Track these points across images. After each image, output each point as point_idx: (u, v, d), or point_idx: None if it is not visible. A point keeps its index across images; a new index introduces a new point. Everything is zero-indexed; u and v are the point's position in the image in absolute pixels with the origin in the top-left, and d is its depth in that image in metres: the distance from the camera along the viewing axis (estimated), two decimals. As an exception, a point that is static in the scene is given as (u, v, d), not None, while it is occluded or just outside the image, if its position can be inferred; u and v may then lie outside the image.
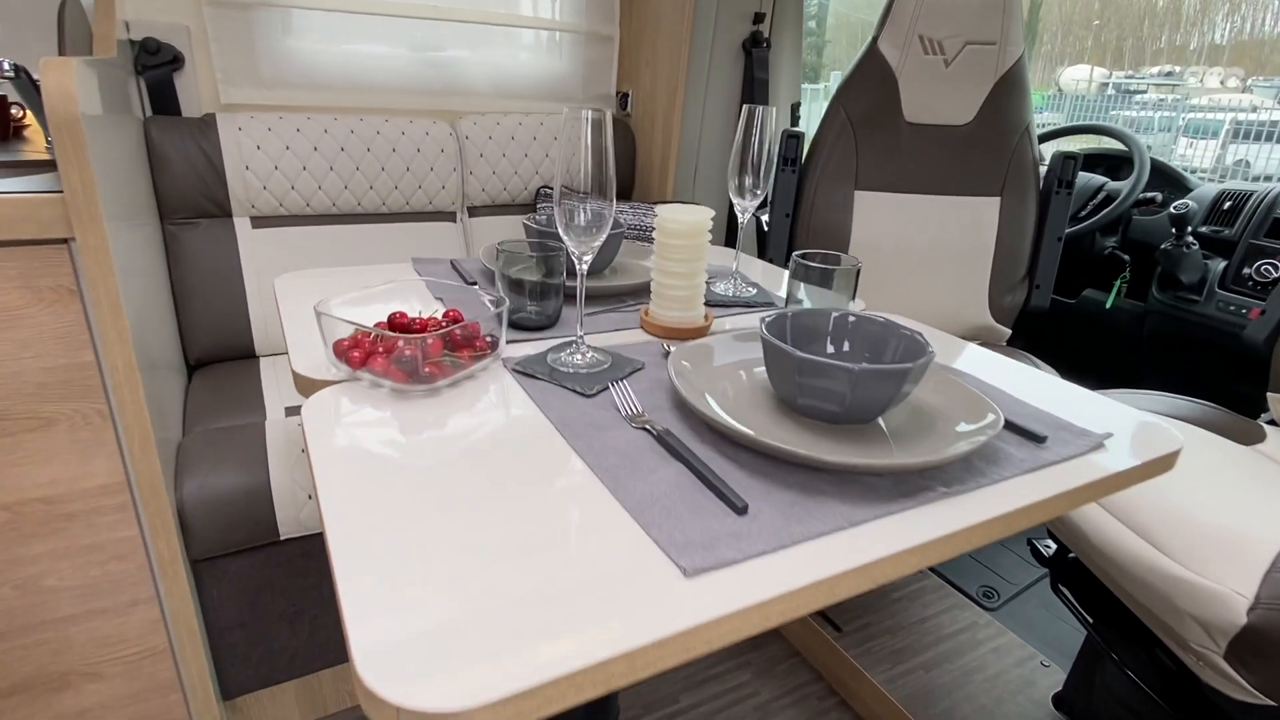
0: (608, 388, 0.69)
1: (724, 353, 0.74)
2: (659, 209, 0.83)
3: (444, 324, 0.73)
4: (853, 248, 1.63)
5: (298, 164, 1.44)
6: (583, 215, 0.67)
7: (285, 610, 1.16)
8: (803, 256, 0.88)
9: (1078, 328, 1.95)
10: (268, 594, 1.13)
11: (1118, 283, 1.80)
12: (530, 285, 0.84)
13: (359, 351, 0.68)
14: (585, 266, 0.71)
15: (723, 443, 0.61)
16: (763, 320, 0.65)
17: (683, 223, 0.80)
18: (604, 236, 0.68)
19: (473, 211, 1.69)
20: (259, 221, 1.45)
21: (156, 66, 1.34)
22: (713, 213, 0.83)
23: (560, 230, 0.69)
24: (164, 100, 1.38)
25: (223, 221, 1.43)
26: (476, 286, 0.98)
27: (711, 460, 0.58)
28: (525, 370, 0.72)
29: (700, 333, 0.85)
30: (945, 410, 0.65)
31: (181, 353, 1.40)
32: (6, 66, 1.30)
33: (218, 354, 1.43)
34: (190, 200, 1.38)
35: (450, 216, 1.65)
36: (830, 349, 0.69)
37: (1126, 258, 1.78)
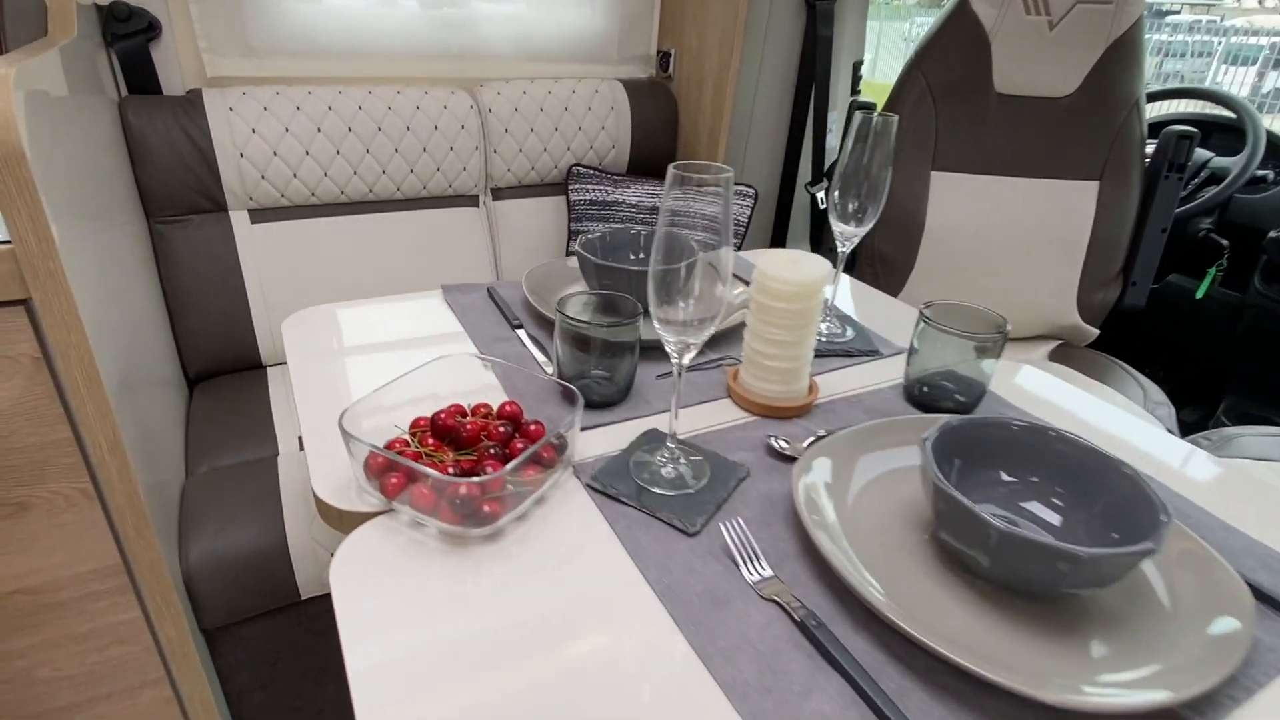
0: (713, 518, 0.55)
1: (861, 467, 0.58)
2: (758, 260, 0.67)
3: (501, 427, 0.57)
4: (926, 235, 1.45)
5: (299, 148, 1.26)
6: (686, 307, 0.51)
7: (310, 668, 1.05)
8: (930, 309, 0.71)
9: (1160, 317, 1.78)
10: (290, 654, 1.02)
11: (1213, 270, 1.61)
12: (599, 344, 0.68)
13: (398, 475, 0.53)
14: (686, 360, 0.55)
15: (881, 624, 0.47)
16: (926, 446, 0.50)
17: (791, 283, 0.64)
18: (714, 325, 0.52)
19: (496, 194, 1.50)
20: (258, 215, 1.28)
21: (129, 36, 1.14)
22: (828, 266, 0.66)
23: (654, 321, 0.53)
24: (140, 76, 1.18)
25: (217, 217, 1.25)
26: (522, 331, 0.82)
27: (876, 661, 0.44)
28: (605, 489, 0.57)
29: (804, 410, 0.69)
30: (1161, 570, 0.50)
31: (180, 367, 1.25)
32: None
33: (220, 366, 1.28)
34: (178, 194, 1.20)
35: (472, 201, 1.46)
36: (1007, 477, 0.53)
37: (1225, 243, 1.59)
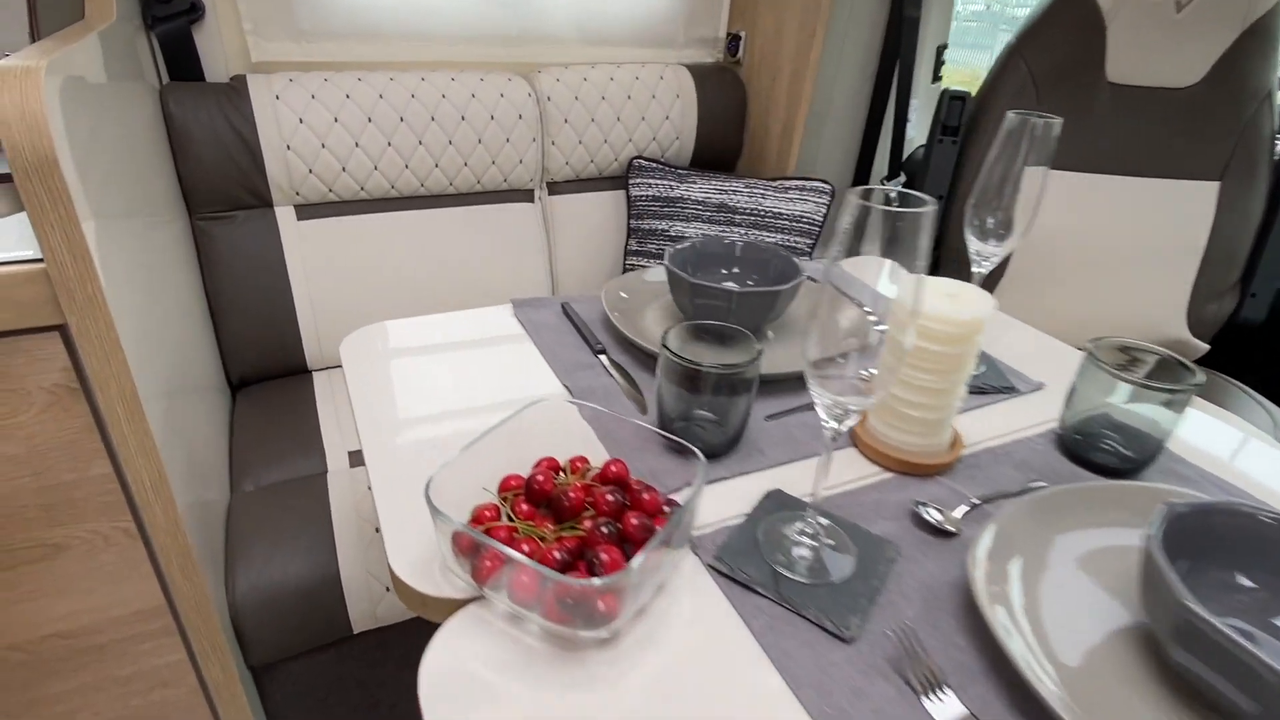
0: (868, 615, 0.45)
1: (1050, 554, 0.48)
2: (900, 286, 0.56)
3: (609, 495, 0.48)
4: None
5: (349, 139, 1.17)
6: (852, 363, 0.41)
7: (360, 703, 0.98)
8: (1099, 348, 0.61)
9: (1266, 328, 1.63)
10: (340, 690, 0.96)
11: (1332, 279, 1.46)
12: (711, 383, 0.57)
13: (492, 556, 0.44)
14: (845, 427, 0.45)
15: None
16: (1156, 545, 0.39)
17: (951, 323, 0.53)
18: (889, 385, 0.42)
19: (553, 189, 1.40)
20: (305, 211, 1.20)
21: (170, 18, 1.06)
22: (994, 301, 0.56)
23: (810, 377, 0.43)
24: (182, 61, 1.10)
25: (262, 213, 1.17)
26: (604, 357, 0.73)
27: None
28: (733, 574, 0.48)
29: (948, 466, 0.59)
30: None
31: (222, 372, 1.18)
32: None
33: (264, 371, 1.21)
34: (222, 189, 1.12)
35: (527, 196, 1.37)
36: (1247, 582, 0.43)
37: (1348, 248, 1.44)
